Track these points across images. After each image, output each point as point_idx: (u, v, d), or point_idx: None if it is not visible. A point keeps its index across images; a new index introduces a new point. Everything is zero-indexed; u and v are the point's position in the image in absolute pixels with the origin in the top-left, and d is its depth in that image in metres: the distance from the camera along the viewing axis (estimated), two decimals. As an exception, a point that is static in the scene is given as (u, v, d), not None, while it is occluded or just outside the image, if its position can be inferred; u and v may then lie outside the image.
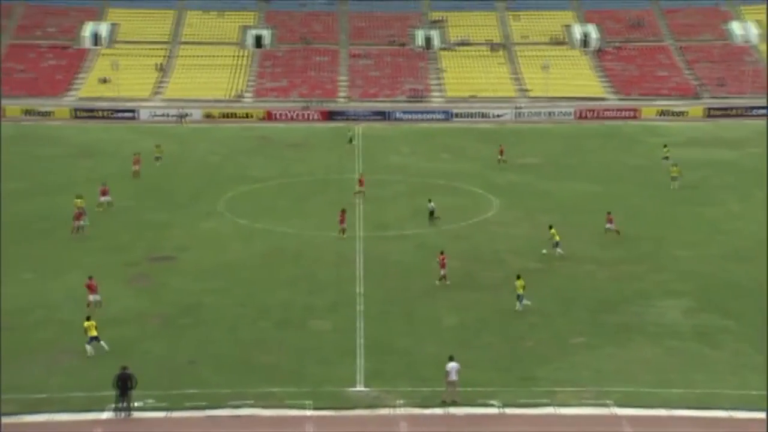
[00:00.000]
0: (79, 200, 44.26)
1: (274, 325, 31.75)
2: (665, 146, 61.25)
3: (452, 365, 26.15)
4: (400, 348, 29.85)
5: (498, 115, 79.64)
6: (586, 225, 44.83)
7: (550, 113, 79.79)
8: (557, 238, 39.27)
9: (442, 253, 36.24)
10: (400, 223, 45.25)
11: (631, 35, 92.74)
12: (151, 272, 37.40)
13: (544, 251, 39.23)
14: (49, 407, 25.42)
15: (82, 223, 42.68)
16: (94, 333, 28.65)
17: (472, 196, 51.50)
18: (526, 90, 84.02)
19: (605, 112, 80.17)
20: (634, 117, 79.56)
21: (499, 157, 60.11)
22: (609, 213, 43.14)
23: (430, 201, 45.71)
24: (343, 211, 42.63)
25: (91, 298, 32.48)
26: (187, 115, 76.66)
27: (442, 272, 35.69)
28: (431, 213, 44.96)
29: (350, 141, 66.08)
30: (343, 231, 42.02)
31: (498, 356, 29.34)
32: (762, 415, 25.28)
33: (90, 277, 33.12)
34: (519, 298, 32.98)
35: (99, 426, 24.60)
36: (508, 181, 54.85)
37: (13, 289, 33.97)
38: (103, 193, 47.26)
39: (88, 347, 28.45)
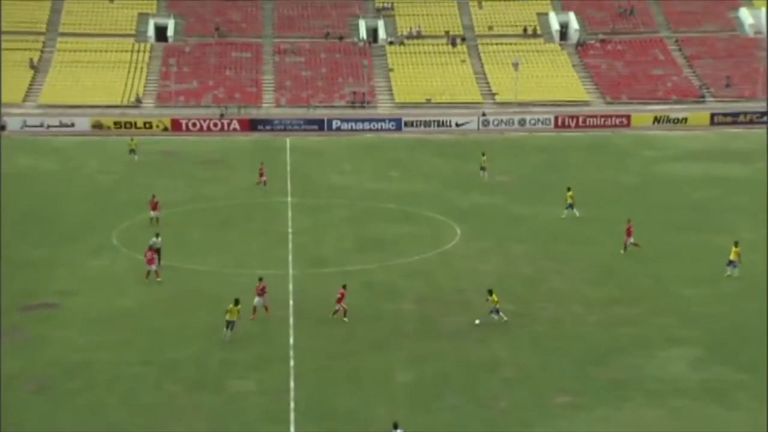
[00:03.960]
0: None
1: (185, 387, 31.52)
2: (483, 154, 62.75)
3: (396, 435, 26.33)
4: (342, 411, 29.83)
5: (459, 124, 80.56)
6: (570, 258, 45.39)
7: (522, 121, 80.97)
8: (496, 303, 36.78)
9: (344, 287, 37.33)
10: (342, 258, 45.23)
11: (618, 26, 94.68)
12: (25, 324, 36.88)
13: (477, 322, 36.82)
14: None
15: None
16: None
17: (429, 222, 51.80)
18: (493, 93, 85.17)
19: (590, 120, 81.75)
20: (625, 125, 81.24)
21: (259, 180, 57.92)
22: (629, 221, 46.04)
23: (157, 236, 43.61)
24: (151, 249, 42.09)
25: None
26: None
27: (338, 307, 36.89)
28: (157, 251, 42.80)
29: (130, 152, 66.83)
30: (156, 273, 41.65)
31: (464, 420, 29.42)
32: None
33: None
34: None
35: None
36: (472, 205, 55.36)
37: None
38: None
39: None
